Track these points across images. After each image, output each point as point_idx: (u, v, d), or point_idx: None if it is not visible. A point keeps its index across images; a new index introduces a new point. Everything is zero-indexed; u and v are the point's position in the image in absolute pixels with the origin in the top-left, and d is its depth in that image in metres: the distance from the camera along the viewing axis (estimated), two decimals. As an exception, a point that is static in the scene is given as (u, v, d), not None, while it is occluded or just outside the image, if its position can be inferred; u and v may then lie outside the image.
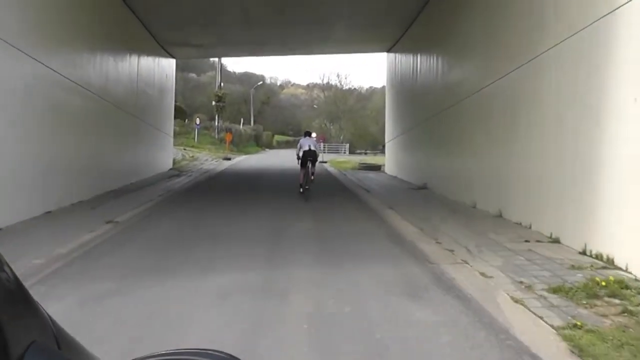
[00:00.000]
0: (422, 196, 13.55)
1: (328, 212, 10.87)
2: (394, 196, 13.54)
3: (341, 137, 68.95)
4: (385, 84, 23.81)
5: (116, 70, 14.65)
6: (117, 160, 14.48)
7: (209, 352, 0.82)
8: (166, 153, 21.43)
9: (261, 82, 78.59)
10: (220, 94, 38.36)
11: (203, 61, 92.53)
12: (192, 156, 28.17)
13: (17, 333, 0.59)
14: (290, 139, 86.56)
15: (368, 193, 14.48)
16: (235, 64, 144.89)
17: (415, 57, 17.87)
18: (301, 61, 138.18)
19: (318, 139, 22.73)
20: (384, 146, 26.10)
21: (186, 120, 39.17)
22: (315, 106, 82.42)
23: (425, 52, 16.49)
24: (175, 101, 58.06)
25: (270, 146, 68.29)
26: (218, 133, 38.00)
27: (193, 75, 68.49)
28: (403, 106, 20.10)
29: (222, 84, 39.63)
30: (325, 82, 76.70)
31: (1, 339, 0.56)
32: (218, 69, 39.32)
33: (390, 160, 22.89)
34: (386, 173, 22.92)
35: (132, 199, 12.07)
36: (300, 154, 12.80)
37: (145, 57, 18.19)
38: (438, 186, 14.26)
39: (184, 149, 30.82)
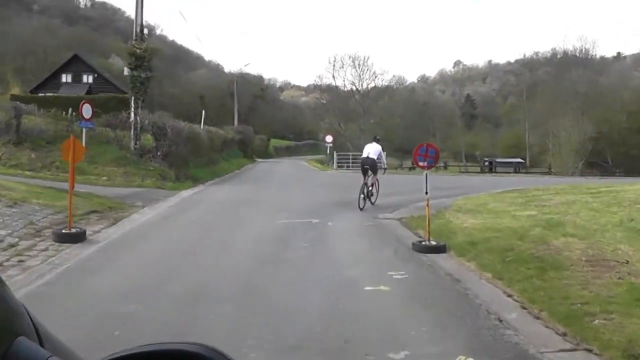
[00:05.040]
0: None
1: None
2: None
3: (361, 142, 47.89)
4: None
5: None
6: None
7: (195, 345, 0.73)
8: None
9: (248, 64, 58.67)
10: (140, 49, 16.80)
11: (192, 57, 74.21)
12: None
13: None
14: (292, 144, 66.74)
15: None
16: (231, 65, 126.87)
17: None
18: (303, 61, 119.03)
19: (428, 149, 8.83)
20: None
21: (70, 113, 17.65)
22: (323, 101, 61.73)
23: None
24: (112, 84, 35.95)
25: (265, 155, 48.08)
26: (137, 137, 16.59)
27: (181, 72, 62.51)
28: None
29: (145, 30, 17.49)
30: (337, 69, 56.15)
31: None
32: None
33: None
34: None
35: None
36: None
37: None
38: None
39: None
